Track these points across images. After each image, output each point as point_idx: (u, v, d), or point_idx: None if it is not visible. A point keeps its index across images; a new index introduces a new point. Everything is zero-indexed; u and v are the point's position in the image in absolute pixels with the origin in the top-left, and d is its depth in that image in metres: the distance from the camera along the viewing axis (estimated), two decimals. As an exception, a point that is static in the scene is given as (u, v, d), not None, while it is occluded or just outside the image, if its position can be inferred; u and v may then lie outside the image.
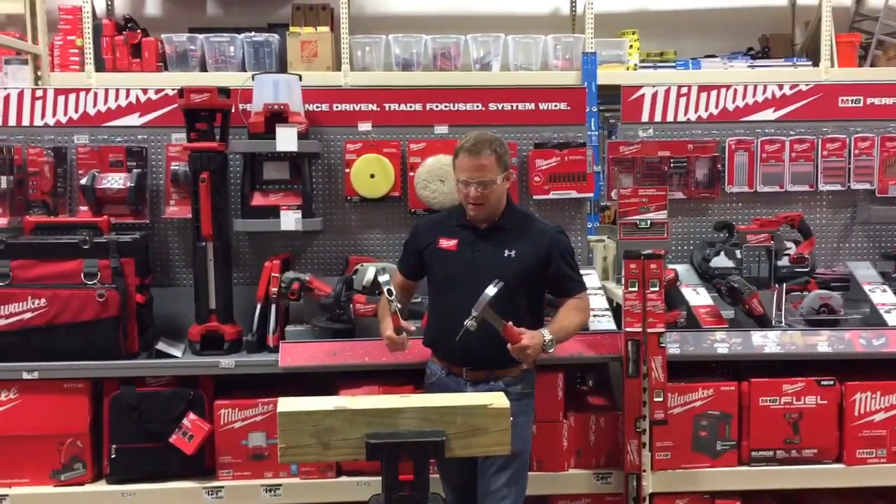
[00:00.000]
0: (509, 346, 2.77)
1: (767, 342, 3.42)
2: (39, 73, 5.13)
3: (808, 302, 3.64)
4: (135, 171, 3.68)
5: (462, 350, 2.86)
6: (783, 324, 3.57)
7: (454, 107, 3.86)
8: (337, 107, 3.84)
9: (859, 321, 3.64)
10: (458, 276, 2.90)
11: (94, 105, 3.77)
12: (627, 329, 3.25)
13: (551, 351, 2.84)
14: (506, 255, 2.90)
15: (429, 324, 3.11)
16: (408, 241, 3.14)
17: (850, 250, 4.05)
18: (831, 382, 3.43)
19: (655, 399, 3.23)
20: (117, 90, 3.80)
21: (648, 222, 3.46)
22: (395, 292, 2.92)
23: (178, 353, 3.49)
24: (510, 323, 2.77)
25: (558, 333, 2.88)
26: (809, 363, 3.47)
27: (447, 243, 2.97)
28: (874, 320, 3.61)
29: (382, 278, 2.98)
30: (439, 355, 3.02)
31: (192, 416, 3.31)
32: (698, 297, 3.64)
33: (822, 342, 3.43)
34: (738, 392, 3.43)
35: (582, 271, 3.73)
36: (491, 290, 2.72)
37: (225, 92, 3.49)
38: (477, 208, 2.90)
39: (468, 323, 2.73)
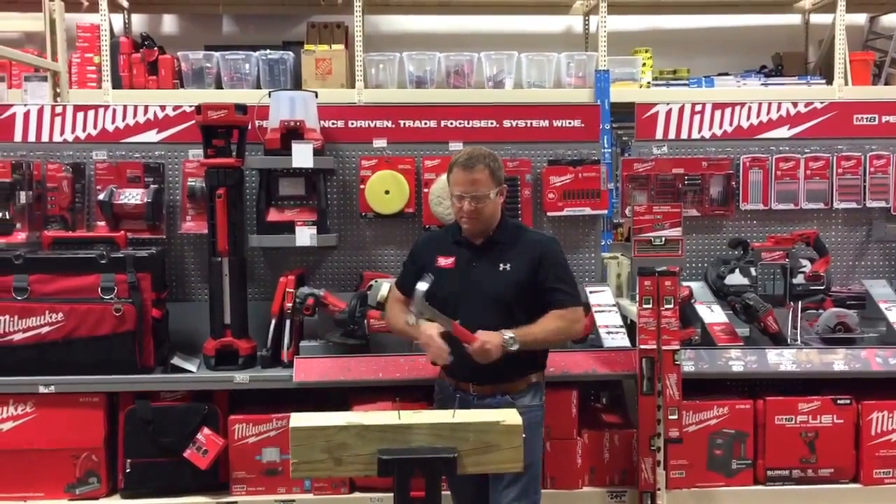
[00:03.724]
0: (468, 348, 2.74)
1: (783, 360, 3.40)
2: (58, 90, 5.19)
3: (823, 320, 3.63)
4: (152, 186, 3.72)
5: (468, 367, 2.87)
6: (799, 342, 3.55)
7: (468, 123, 3.88)
8: (352, 123, 3.87)
9: (875, 340, 3.62)
10: (457, 293, 2.89)
11: (113, 121, 3.80)
12: (642, 346, 3.24)
13: (515, 349, 2.75)
14: (500, 268, 2.90)
15: None
16: (407, 261, 3.15)
17: (865, 268, 4.04)
18: (847, 401, 3.41)
19: (670, 417, 3.21)
20: (135, 107, 3.83)
21: (663, 239, 3.45)
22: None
23: (192, 368, 3.50)
24: (457, 321, 2.75)
25: (523, 336, 2.78)
26: (825, 382, 3.45)
27: (445, 261, 2.97)
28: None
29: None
30: (446, 372, 3.03)
31: (206, 430, 3.33)
32: (713, 314, 3.63)
33: (838, 360, 3.41)
34: (754, 410, 3.41)
35: (595, 288, 3.77)
36: (421, 286, 2.77)
37: (241, 108, 3.51)
38: (470, 222, 2.91)
39: (409, 320, 2.82)
